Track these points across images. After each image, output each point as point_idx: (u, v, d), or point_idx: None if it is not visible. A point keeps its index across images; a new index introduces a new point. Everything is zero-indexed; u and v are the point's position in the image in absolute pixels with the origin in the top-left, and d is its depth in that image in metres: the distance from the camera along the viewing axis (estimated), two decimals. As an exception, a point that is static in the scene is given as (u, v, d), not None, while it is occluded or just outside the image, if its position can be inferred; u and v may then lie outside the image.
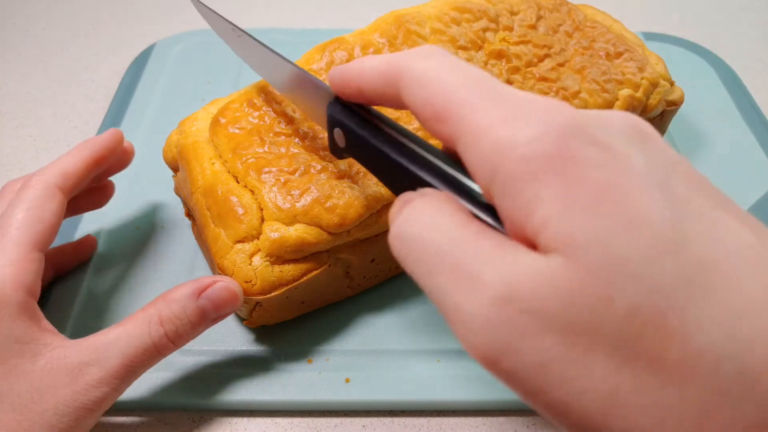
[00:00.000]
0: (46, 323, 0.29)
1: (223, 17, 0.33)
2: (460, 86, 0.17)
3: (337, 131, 0.25)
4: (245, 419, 0.34)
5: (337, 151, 0.26)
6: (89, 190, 0.38)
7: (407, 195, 0.18)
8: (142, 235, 0.42)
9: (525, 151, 0.15)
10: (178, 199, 0.41)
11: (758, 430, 0.13)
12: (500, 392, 0.33)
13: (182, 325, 0.29)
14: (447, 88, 0.18)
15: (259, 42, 0.31)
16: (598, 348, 0.14)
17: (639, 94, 0.39)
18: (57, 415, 0.26)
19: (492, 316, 0.15)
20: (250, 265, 0.31)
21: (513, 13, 0.40)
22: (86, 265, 0.39)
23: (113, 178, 0.39)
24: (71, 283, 0.38)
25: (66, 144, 0.50)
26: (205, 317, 0.30)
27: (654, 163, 0.16)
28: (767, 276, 0.14)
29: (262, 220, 0.32)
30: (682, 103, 0.43)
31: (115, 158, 0.37)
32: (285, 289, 0.32)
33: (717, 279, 0.14)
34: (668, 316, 0.13)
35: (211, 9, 0.34)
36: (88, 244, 0.40)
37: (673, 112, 0.44)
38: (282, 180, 0.32)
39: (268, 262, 0.31)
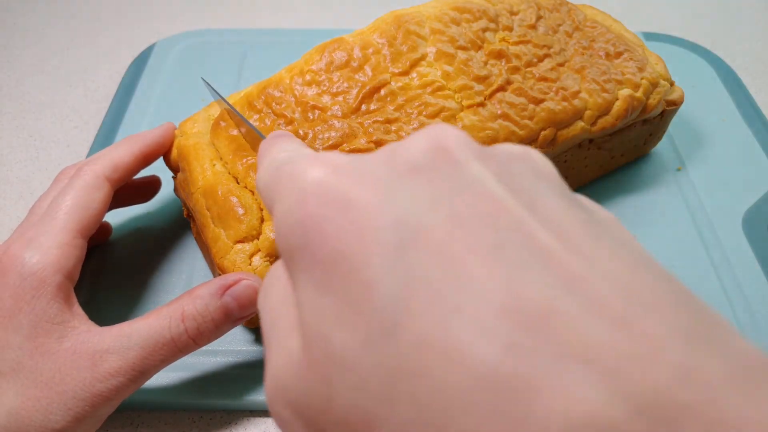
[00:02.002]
0: (78, 308, 0.29)
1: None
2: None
3: None
4: (245, 419, 0.34)
5: None
6: (138, 184, 0.40)
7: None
8: (141, 236, 0.42)
9: (280, 232, 0.15)
10: (178, 199, 0.41)
11: None
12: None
13: (204, 322, 0.29)
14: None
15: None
16: None
17: (639, 94, 0.39)
18: (75, 399, 0.27)
19: (270, 401, 0.14)
20: (250, 265, 0.31)
21: (513, 13, 0.40)
22: (86, 265, 0.39)
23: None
24: (71, 283, 0.39)
25: (66, 144, 0.50)
26: (229, 316, 0.29)
27: (413, 203, 0.13)
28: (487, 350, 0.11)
29: (263, 220, 0.32)
30: (682, 103, 0.43)
31: (140, 188, 0.39)
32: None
33: (431, 362, 0.11)
34: (373, 423, 0.11)
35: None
36: (153, 183, 0.41)
37: (673, 112, 0.44)
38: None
39: (267, 262, 0.31)
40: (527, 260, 0.12)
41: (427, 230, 0.12)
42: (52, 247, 0.29)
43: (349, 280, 0.12)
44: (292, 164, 0.16)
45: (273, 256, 0.31)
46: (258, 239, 0.32)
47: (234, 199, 0.32)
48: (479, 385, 0.10)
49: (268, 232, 0.31)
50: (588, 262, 0.12)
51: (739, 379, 0.10)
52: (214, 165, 0.34)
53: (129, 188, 0.39)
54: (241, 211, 0.32)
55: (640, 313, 0.11)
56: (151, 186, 0.41)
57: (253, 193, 0.32)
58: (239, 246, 0.32)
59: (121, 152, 0.34)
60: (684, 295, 0.12)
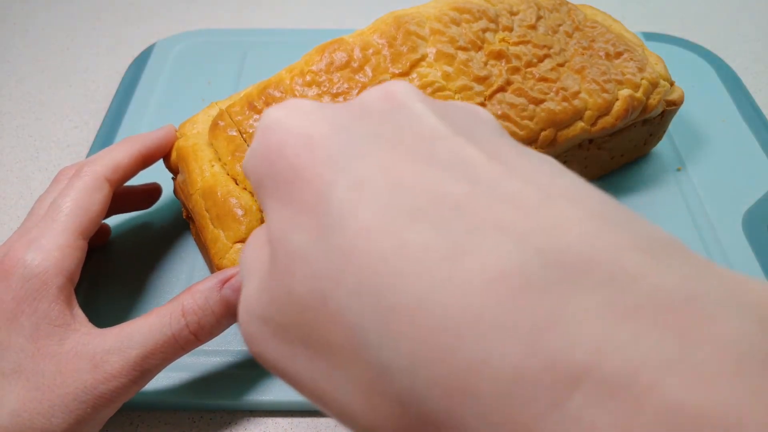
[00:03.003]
0: (79, 310, 0.29)
1: None
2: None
3: None
4: (245, 419, 0.34)
5: None
6: (139, 191, 0.40)
7: None
8: (141, 237, 0.42)
9: (249, 166, 0.17)
10: (178, 201, 0.41)
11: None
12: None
13: (205, 316, 0.29)
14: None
15: None
16: (296, 342, 0.14)
17: (639, 94, 0.39)
18: (76, 401, 0.27)
19: (242, 325, 0.16)
20: (250, 265, 0.31)
21: (513, 14, 0.40)
22: (85, 266, 0.39)
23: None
24: (71, 284, 0.39)
25: (66, 144, 0.50)
26: (230, 309, 0.29)
27: (360, 134, 0.15)
28: (398, 227, 0.12)
29: (262, 221, 0.32)
30: (682, 103, 0.43)
31: (142, 195, 0.40)
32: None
33: (370, 243, 0.13)
34: (327, 299, 0.13)
35: None
36: (155, 190, 0.41)
37: (673, 112, 0.44)
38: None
39: (267, 263, 0.31)
40: (453, 166, 0.13)
41: (373, 152, 0.14)
42: (54, 249, 0.29)
43: (304, 190, 0.14)
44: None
45: (273, 257, 0.31)
46: (258, 240, 0.32)
47: (233, 201, 0.32)
48: (408, 256, 0.12)
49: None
50: (509, 168, 0.13)
51: (644, 246, 0.11)
52: (213, 166, 0.34)
53: (130, 195, 0.39)
54: (240, 212, 0.32)
55: (553, 202, 0.12)
56: (152, 193, 0.41)
57: (252, 194, 0.32)
58: (238, 246, 0.32)
59: (120, 153, 0.34)
60: (590, 191, 0.13)
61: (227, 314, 0.29)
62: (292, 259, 0.14)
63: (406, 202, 0.13)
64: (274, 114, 0.16)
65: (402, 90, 0.16)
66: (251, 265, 0.17)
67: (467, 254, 0.11)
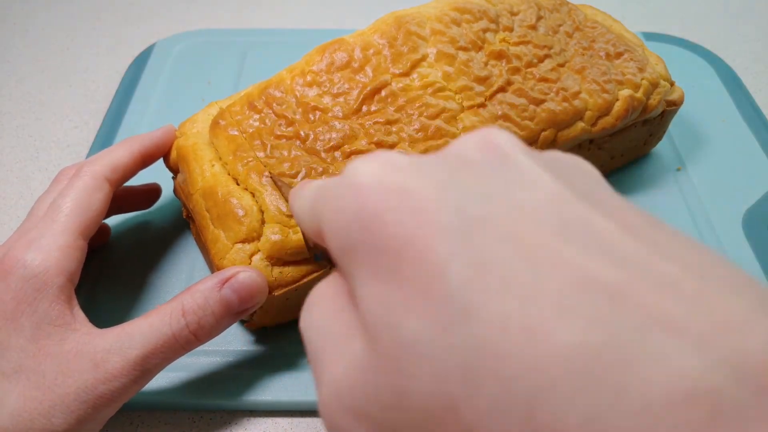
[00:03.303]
0: (79, 310, 0.29)
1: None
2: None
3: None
4: (245, 419, 0.34)
5: (309, 249, 0.26)
6: (139, 191, 0.40)
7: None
8: (141, 237, 0.42)
9: (336, 231, 0.14)
10: (178, 200, 0.41)
11: None
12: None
13: (205, 316, 0.29)
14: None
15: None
16: None
17: (639, 95, 0.39)
18: (77, 401, 0.27)
19: (326, 414, 0.14)
20: (249, 265, 0.31)
21: (513, 14, 0.40)
22: (86, 266, 0.39)
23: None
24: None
25: (66, 144, 0.50)
26: (229, 309, 0.29)
27: (471, 193, 0.13)
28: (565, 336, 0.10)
29: (263, 222, 0.32)
30: (682, 103, 0.43)
31: (142, 195, 0.40)
32: (285, 290, 0.32)
33: (513, 341, 0.11)
34: (460, 408, 0.11)
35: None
36: (154, 190, 0.41)
37: (673, 113, 0.44)
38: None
39: (267, 263, 0.31)
40: (592, 242, 0.11)
41: (491, 217, 0.12)
42: (54, 249, 0.29)
43: (416, 266, 0.12)
44: (335, 178, 0.16)
45: (273, 258, 0.31)
46: (258, 241, 0.32)
47: (234, 201, 0.32)
48: (566, 361, 0.10)
49: (269, 233, 0.31)
50: (650, 244, 0.12)
51: None
52: (213, 166, 0.34)
53: (130, 195, 0.39)
54: (241, 212, 0.32)
55: (714, 290, 0.11)
56: (152, 193, 0.41)
57: (253, 194, 0.32)
58: (239, 246, 0.32)
59: (120, 153, 0.34)
60: (742, 274, 0.12)
61: (227, 314, 0.29)
62: (407, 353, 0.12)
63: (549, 288, 0.11)
64: (364, 169, 0.14)
65: (503, 139, 0.15)
66: (332, 339, 0.15)
67: (640, 362, 0.10)
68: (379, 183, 0.14)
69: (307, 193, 0.18)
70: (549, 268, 0.11)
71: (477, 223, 0.12)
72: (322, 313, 0.15)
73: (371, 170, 0.14)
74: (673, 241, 0.12)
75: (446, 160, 0.15)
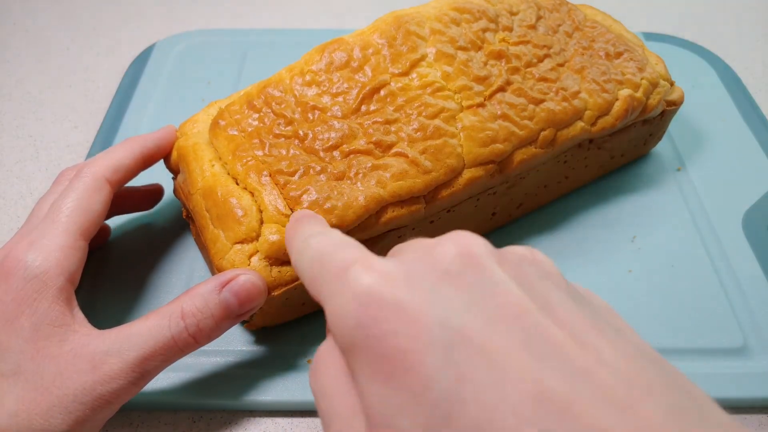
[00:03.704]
0: (78, 311, 0.29)
1: None
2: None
3: None
4: (245, 419, 0.34)
5: None
6: (141, 192, 0.40)
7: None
8: (141, 237, 0.42)
9: (340, 329, 0.17)
10: (178, 200, 0.41)
11: None
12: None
13: (204, 319, 0.29)
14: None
15: None
16: None
17: (639, 95, 0.39)
18: (75, 402, 0.27)
19: None
20: (249, 265, 0.31)
21: (512, 14, 0.40)
22: (86, 267, 0.39)
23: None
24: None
25: (66, 144, 0.50)
26: (229, 312, 0.29)
27: (453, 305, 0.16)
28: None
29: (262, 222, 0.32)
30: (682, 103, 0.43)
31: (143, 196, 0.40)
32: (284, 289, 0.32)
33: None
34: None
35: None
36: (157, 191, 0.41)
37: (673, 112, 0.44)
38: (281, 182, 0.32)
39: (266, 263, 0.31)
40: (549, 355, 0.15)
41: (468, 331, 0.15)
42: (54, 250, 0.29)
43: (409, 375, 0.15)
44: (335, 261, 0.19)
45: (272, 258, 0.31)
46: (257, 240, 0.32)
47: (233, 201, 0.32)
48: None
49: (267, 233, 0.31)
50: (595, 354, 0.15)
51: None
52: (213, 166, 0.34)
53: (131, 196, 0.39)
54: (240, 212, 0.32)
55: (639, 397, 0.14)
56: (154, 194, 0.41)
57: (252, 194, 0.32)
58: (238, 246, 0.32)
59: (120, 154, 0.34)
60: (673, 377, 0.15)
61: (226, 317, 0.29)
62: None
63: (513, 401, 0.14)
64: (365, 280, 0.17)
65: (479, 248, 0.18)
66: (339, 414, 0.17)
67: None
68: (378, 296, 0.16)
69: (303, 253, 0.21)
70: (514, 382, 0.14)
71: (458, 336, 0.15)
72: (328, 381, 0.18)
73: (368, 283, 0.17)
74: (612, 347, 0.15)
75: (431, 268, 0.18)
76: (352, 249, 0.19)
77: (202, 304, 0.29)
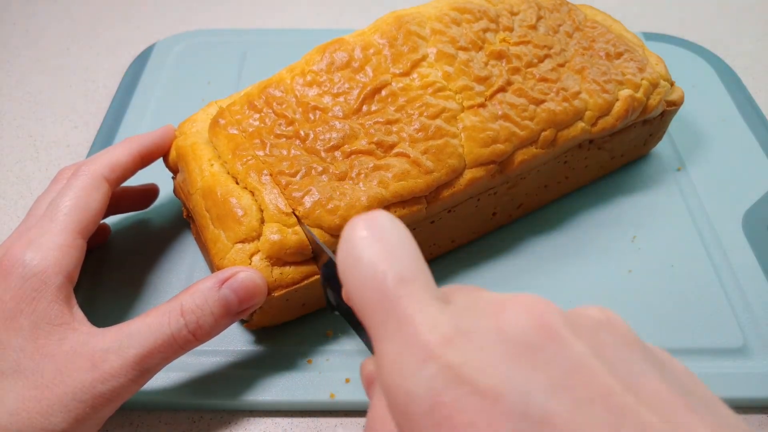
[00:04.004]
0: (78, 310, 0.29)
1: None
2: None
3: (329, 291, 0.26)
4: (245, 419, 0.34)
5: (330, 308, 0.27)
6: (137, 191, 0.40)
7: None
8: (141, 237, 0.42)
9: (405, 407, 0.16)
10: (178, 200, 0.41)
11: None
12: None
13: (203, 316, 0.29)
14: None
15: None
16: None
17: (639, 95, 0.39)
18: (75, 400, 0.27)
19: None
20: (250, 265, 0.31)
21: (513, 14, 0.40)
22: (85, 266, 0.39)
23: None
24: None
25: (66, 144, 0.50)
26: (228, 309, 0.29)
27: (533, 388, 0.15)
28: None
29: (263, 221, 0.32)
30: (682, 103, 0.43)
31: (139, 195, 0.40)
32: (284, 291, 0.32)
33: None
34: None
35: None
36: (152, 191, 0.41)
37: (673, 113, 0.44)
38: (283, 182, 0.32)
39: (267, 263, 0.31)
40: None
41: (553, 418, 0.14)
42: (53, 249, 0.29)
43: None
44: (397, 300, 0.17)
45: (272, 257, 0.31)
46: (258, 240, 0.32)
47: (233, 201, 0.32)
48: None
49: (269, 233, 0.31)
50: (674, 426, 0.14)
51: None
52: (213, 165, 0.34)
53: (127, 195, 0.39)
54: (240, 212, 0.32)
55: None
56: (149, 193, 0.41)
57: (252, 193, 0.32)
58: (239, 246, 0.32)
59: (119, 153, 0.34)
60: None
61: (226, 314, 0.29)
62: None
63: None
64: (435, 349, 0.15)
65: (553, 318, 0.16)
66: None
67: None
68: (453, 377, 0.15)
69: (358, 281, 0.18)
70: None
71: (541, 425, 0.14)
72: None
73: (444, 357, 0.15)
74: (705, 421, 0.15)
75: (505, 341, 0.16)
76: (414, 283, 0.17)
77: (201, 301, 0.29)
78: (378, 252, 0.18)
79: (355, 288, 0.18)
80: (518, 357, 0.15)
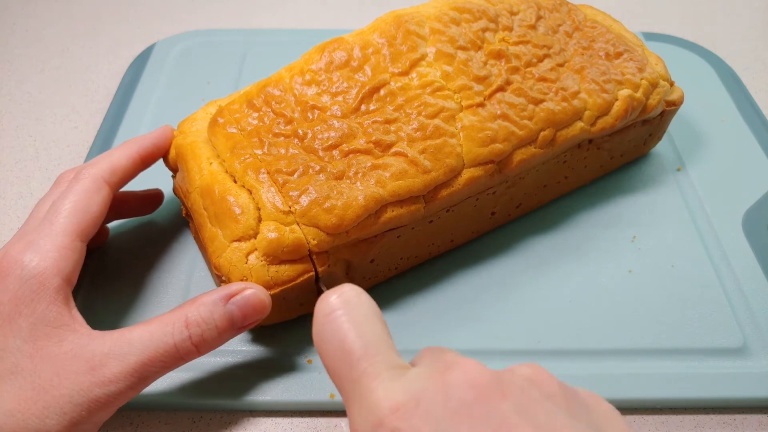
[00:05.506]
0: (77, 312, 0.29)
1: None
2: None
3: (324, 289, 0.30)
4: (245, 419, 0.34)
5: None
6: (141, 197, 0.40)
7: None
8: (141, 236, 0.42)
9: None
10: (177, 199, 0.41)
11: None
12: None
13: (208, 329, 0.29)
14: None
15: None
16: None
17: (639, 95, 0.39)
18: (71, 403, 0.27)
19: None
20: (246, 263, 0.31)
21: (512, 13, 0.40)
22: (84, 267, 0.39)
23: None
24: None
25: (66, 144, 0.50)
26: (233, 324, 0.30)
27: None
28: None
29: (260, 220, 0.32)
30: (681, 103, 0.43)
31: (143, 200, 0.40)
32: (280, 289, 0.32)
33: None
34: None
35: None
36: (156, 196, 0.41)
37: (672, 113, 0.44)
38: (280, 180, 0.32)
39: (264, 261, 0.31)
40: None
41: None
42: (51, 251, 0.29)
43: None
44: (358, 366, 0.22)
45: (269, 256, 0.31)
46: (255, 238, 0.32)
47: (231, 199, 0.32)
48: None
49: (266, 231, 0.31)
50: None
51: None
52: (211, 164, 0.34)
53: (131, 200, 0.39)
54: (237, 210, 0.32)
55: None
56: (154, 199, 0.41)
57: (250, 192, 0.32)
58: (236, 244, 0.32)
59: (119, 155, 0.34)
60: None
61: (230, 329, 0.30)
62: None
63: None
64: (382, 410, 0.20)
65: (483, 379, 0.20)
66: None
67: None
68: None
69: (328, 343, 0.23)
70: None
71: None
72: None
73: (389, 416, 0.20)
74: None
75: (446, 402, 0.20)
76: (376, 357, 0.21)
77: (207, 314, 0.29)
78: (346, 329, 0.23)
79: (327, 359, 0.23)
80: (454, 416, 0.19)
